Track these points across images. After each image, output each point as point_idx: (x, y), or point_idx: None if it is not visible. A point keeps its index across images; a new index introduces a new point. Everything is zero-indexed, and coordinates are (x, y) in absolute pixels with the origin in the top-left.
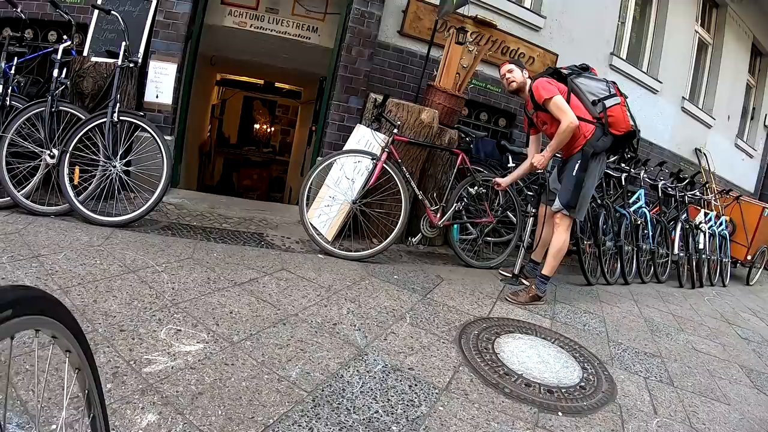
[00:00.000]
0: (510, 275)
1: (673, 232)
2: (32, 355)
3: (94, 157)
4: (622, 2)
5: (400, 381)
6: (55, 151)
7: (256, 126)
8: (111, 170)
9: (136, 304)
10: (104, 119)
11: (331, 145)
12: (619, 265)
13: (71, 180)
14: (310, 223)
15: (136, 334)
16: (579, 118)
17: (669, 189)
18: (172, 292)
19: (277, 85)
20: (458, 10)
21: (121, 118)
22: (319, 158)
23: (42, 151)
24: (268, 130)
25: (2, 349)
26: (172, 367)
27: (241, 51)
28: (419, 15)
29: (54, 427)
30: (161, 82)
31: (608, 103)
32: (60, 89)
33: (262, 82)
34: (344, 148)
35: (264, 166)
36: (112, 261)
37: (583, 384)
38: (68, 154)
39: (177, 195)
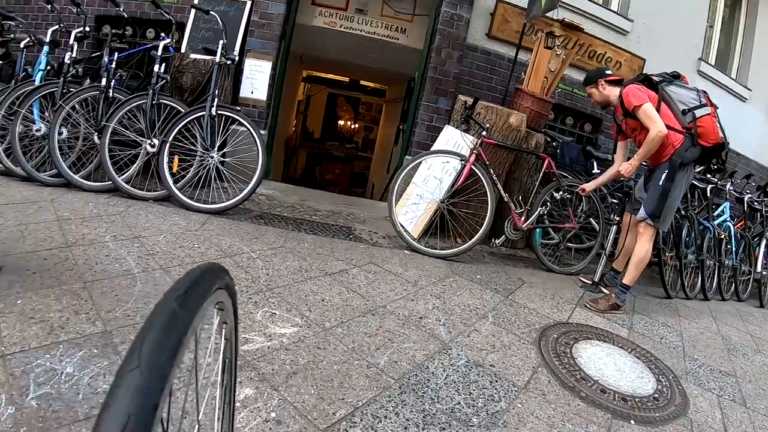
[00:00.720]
0: (590, 282)
1: (758, 248)
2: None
3: (192, 147)
4: (711, 4)
5: (482, 376)
6: (156, 141)
7: (340, 122)
8: (208, 160)
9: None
10: (203, 112)
11: (420, 145)
12: (699, 279)
13: (170, 168)
14: (398, 220)
15: None
16: (668, 128)
17: (755, 203)
18: (267, 277)
19: (362, 82)
20: (546, 14)
21: (219, 112)
22: (407, 157)
23: (143, 140)
24: (352, 126)
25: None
26: (268, 347)
27: (329, 49)
28: (507, 18)
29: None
30: (256, 79)
31: (698, 113)
32: (161, 83)
33: (347, 79)
34: (433, 148)
35: (346, 161)
36: (209, 245)
37: (656, 395)
38: (168, 144)
39: (268, 186)
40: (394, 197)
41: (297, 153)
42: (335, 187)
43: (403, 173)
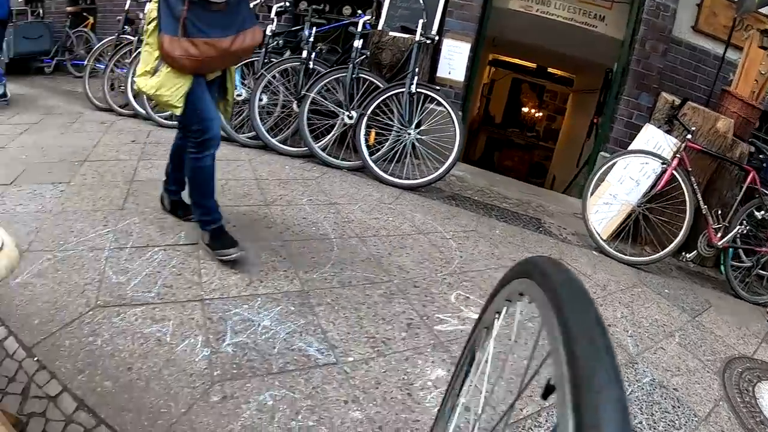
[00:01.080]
0: None
1: None
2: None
3: (389, 122)
4: None
5: (665, 399)
6: (354, 113)
7: (524, 109)
8: (405, 136)
9: (428, 264)
10: (402, 89)
11: (617, 141)
12: None
13: (366, 140)
14: (591, 220)
15: (428, 292)
16: None
17: None
18: (460, 260)
19: (550, 70)
20: (761, 8)
21: (418, 89)
22: (602, 153)
23: (341, 112)
24: (535, 114)
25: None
26: (461, 330)
27: (522, 33)
28: (714, 10)
29: None
30: (454, 60)
31: None
32: (360, 58)
33: (534, 66)
34: (631, 147)
35: (526, 149)
36: (402, 220)
37: None
38: (366, 117)
39: (458, 168)
40: (588, 196)
41: (478, 136)
42: (512, 175)
43: (600, 172)
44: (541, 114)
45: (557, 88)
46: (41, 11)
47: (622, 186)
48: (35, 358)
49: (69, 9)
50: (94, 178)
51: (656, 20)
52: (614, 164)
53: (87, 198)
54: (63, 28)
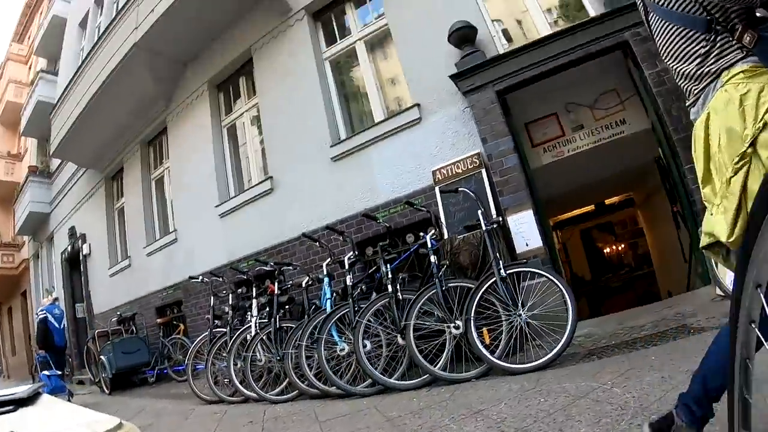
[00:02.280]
0: None
1: None
2: None
3: (496, 315)
4: None
5: None
6: (459, 322)
7: (606, 251)
8: (516, 320)
9: (605, 420)
10: (493, 278)
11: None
12: None
13: (482, 341)
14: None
15: None
16: None
17: None
18: (634, 400)
19: (607, 202)
20: None
21: (508, 272)
22: (700, 230)
23: (447, 326)
24: (618, 250)
25: None
26: None
27: (566, 181)
28: None
29: None
30: (524, 231)
31: None
32: (443, 270)
33: (592, 207)
34: None
35: (627, 287)
36: (556, 395)
37: None
38: (472, 320)
39: (580, 326)
40: (717, 270)
41: (579, 301)
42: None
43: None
44: (623, 247)
45: (623, 214)
46: (134, 327)
47: None
48: None
49: (159, 320)
50: None
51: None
52: None
53: None
54: (157, 338)
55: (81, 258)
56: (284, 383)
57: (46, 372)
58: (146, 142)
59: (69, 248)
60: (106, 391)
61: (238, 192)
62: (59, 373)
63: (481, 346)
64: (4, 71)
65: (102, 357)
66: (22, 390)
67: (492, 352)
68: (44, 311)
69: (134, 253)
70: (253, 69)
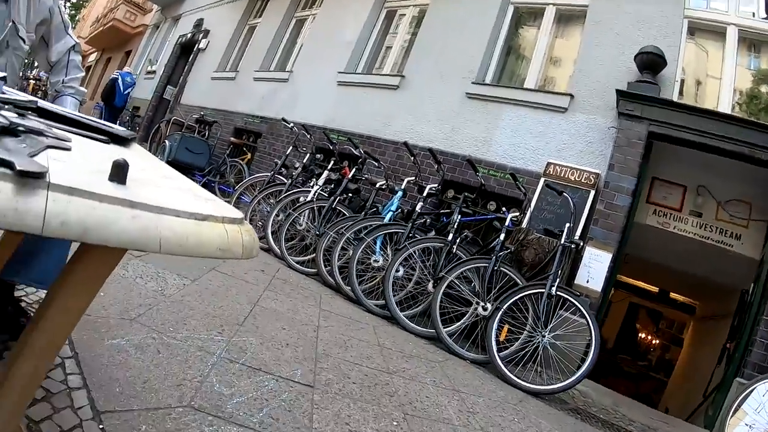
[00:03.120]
0: None
1: None
2: None
3: (523, 321)
4: None
5: None
6: (489, 306)
7: (640, 335)
8: (538, 339)
9: None
10: (542, 290)
11: (755, 366)
12: None
13: (497, 335)
14: None
15: None
16: None
17: None
18: None
19: (672, 295)
20: None
21: (558, 293)
22: (738, 379)
23: (476, 302)
24: (651, 341)
25: None
26: None
27: (654, 252)
28: None
29: None
30: (593, 268)
31: None
32: (504, 252)
33: (656, 289)
34: None
35: (634, 379)
36: (528, 424)
37: None
38: (501, 312)
39: (583, 383)
40: (727, 424)
41: None
42: None
43: (740, 398)
44: (656, 342)
45: (676, 315)
46: (207, 132)
47: (759, 415)
48: (100, 426)
49: (232, 139)
50: (219, 287)
51: None
52: (752, 390)
53: (207, 301)
54: (222, 154)
55: (195, 49)
56: (308, 257)
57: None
58: None
59: (189, 35)
60: None
61: (366, 71)
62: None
63: (493, 339)
64: None
65: (166, 141)
66: (119, 128)
67: (499, 350)
68: (117, 74)
69: (243, 70)
70: None
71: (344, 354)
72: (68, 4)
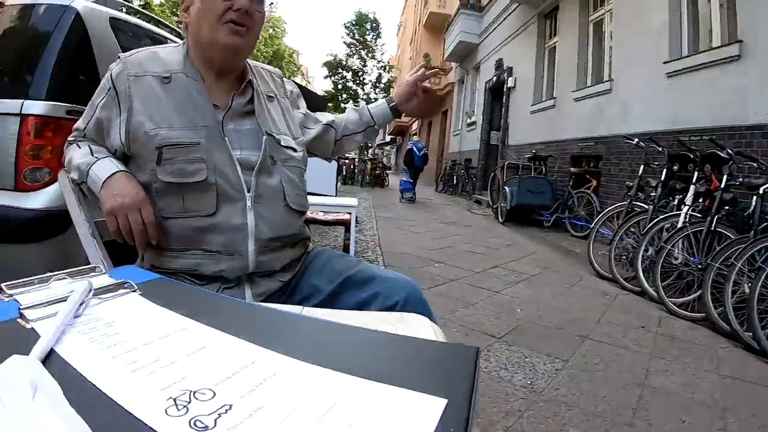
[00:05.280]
0: None
1: None
2: None
3: None
4: None
5: None
6: None
7: None
8: None
9: None
10: None
11: None
12: None
13: None
14: None
15: None
16: None
17: None
18: None
19: None
20: None
21: None
22: None
23: None
24: None
25: None
26: None
27: None
28: None
29: None
30: None
31: None
32: None
33: None
34: None
35: None
36: None
37: None
38: None
39: None
40: None
41: None
42: None
43: None
44: None
45: None
46: (544, 168)
47: None
48: None
49: (572, 169)
50: (597, 364)
51: None
52: None
53: (586, 391)
54: (565, 186)
55: (504, 90)
56: (693, 296)
57: (404, 177)
58: None
59: (494, 79)
60: (500, 220)
61: (692, 51)
62: (411, 180)
63: None
64: None
65: (506, 187)
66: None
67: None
68: (411, 144)
69: (560, 95)
70: None
71: None
72: (380, 86)
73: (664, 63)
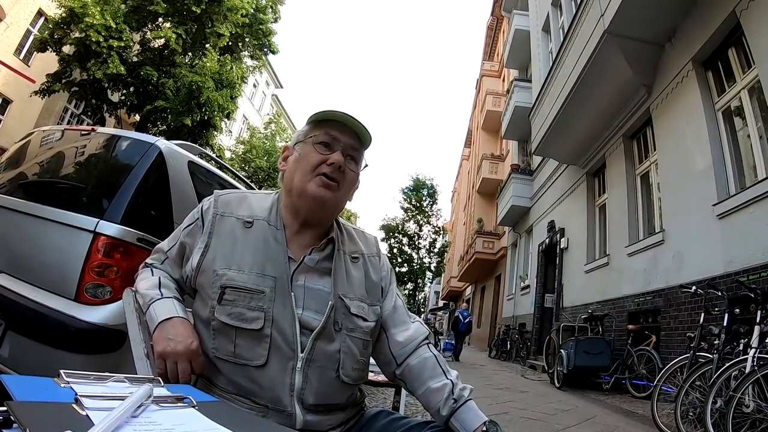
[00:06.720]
0: None
1: None
2: None
3: None
4: None
5: None
6: None
7: None
8: None
9: None
10: None
11: None
12: None
13: None
14: None
15: None
16: None
17: None
18: None
19: None
20: None
21: None
22: None
23: None
24: None
25: None
26: None
27: None
28: None
29: None
30: None
31: None
32: None
33: None
34: None
35: None
36: None
37: None
38: None
39: None
40: None
41: None
42: None
43: None
44: None
45: None
46: (601, 329)
47: None
48: None
49: (629, 327)
50: None
51: None
52: None
53: None
54: (623, 345)
55: (557, 251)
56: None
57: (447, 339)
58: (628, 136)
59: (547, 241)
60: (556, 384)
61: (740, 189)
62: (453, 342)
63: None
64: (481, 86)
65: (562, 350)
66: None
67: None
68: (458, 312)
69: (614, 251)
70: (744, 36)
71: None
72: (434, 252)
73: (714, 205)
